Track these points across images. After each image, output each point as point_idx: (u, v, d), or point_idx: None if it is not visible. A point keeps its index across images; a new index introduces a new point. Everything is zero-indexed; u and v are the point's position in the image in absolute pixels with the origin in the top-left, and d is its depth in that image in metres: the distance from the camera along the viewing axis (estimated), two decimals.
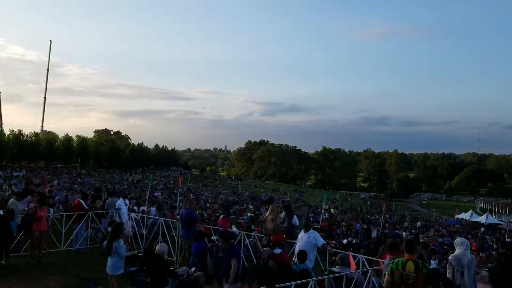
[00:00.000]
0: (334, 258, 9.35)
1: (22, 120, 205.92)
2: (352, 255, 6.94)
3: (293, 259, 8.30)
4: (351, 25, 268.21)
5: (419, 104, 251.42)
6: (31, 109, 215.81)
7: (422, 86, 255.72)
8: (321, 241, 8.28)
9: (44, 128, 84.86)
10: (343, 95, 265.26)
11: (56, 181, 33.26)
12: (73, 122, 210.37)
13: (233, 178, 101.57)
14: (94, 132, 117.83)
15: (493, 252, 24.55)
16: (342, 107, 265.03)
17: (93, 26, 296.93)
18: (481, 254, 22.37)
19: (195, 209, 11.60)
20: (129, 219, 12.75)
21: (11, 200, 11.22)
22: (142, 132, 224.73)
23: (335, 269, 7.07)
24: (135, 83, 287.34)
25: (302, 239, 8.26)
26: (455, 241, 6.58)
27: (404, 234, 31.51)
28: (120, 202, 11.61)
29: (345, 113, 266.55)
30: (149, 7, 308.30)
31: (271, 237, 9.63)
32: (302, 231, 8.53)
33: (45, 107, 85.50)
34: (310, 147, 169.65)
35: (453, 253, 6.54)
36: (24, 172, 45.46)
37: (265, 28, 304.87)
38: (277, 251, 8.35)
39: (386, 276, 4.86)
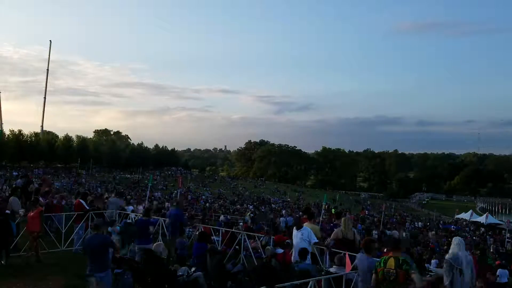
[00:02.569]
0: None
1: (34, 119, 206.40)
2: (349, 255, 6.94)
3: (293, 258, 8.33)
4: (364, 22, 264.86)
5: (431, 104, 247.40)
6: (47, 107, 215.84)
7: (434, 85, 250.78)
8: (314, 239, 8.28)
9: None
10: (355, 93, 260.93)
11: (56, 183, 33.35)
12: (86, 122, 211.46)
13: (227, 178, 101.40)
14: (94, 132, 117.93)
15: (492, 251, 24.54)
16: (353, 106, 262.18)
17: (113, 24, 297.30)
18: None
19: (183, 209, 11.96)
20: (128, 219, 12.80)
21: (12, 197, 11.23)
22: (148, 132, 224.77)
23: (332, 269, 7.09)
24: (152, 81, 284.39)
25: (296, 237, 8.27)
26: (452, 241, 6.60)
27: (404, 234, 31.54)
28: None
29: (357, 112, 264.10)
30: (167, 6, 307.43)
31: (274, 237, 9.66)
32: (294, 229, 8.54)
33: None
34: (310, 147, 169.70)
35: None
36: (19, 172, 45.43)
37: (275, 26, 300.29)
38: (279, 251, 8.37)
39: (373, 274, 4.97)
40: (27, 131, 67.56)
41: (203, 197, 45.69)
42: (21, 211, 10.36)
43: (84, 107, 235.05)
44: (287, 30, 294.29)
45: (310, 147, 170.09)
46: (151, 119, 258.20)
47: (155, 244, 8.13)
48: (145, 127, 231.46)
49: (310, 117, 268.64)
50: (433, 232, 32.71)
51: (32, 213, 9.48)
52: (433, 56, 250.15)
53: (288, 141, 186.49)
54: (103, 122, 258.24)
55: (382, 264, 4.81)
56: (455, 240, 6.40)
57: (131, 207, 17.71)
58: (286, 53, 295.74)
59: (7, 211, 9.69)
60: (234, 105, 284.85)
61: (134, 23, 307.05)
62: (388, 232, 28.80)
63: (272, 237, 10.86)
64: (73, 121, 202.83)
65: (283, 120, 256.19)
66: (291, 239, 8.78)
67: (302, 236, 8.15)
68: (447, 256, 6.29)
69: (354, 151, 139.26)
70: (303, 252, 7.69)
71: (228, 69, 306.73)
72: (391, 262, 4.75)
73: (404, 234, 31.23)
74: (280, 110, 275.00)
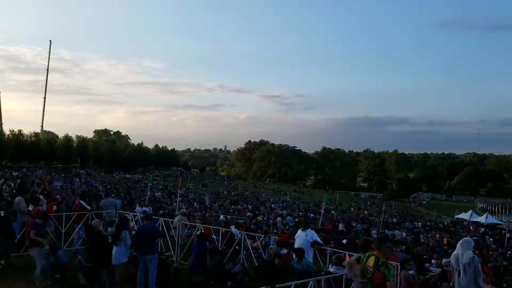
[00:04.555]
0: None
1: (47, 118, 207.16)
2: (348, 255, 6.95)
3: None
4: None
5: (441, 103, 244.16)
6: (57, 107, 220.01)
7: (445, 84, 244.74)
8: (317, 239, 8.49)
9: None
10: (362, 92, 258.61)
11: (57, 184, 33.34)
12: (96, 121, 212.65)
13: (225, 178, 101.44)
14: (94, 132, 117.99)
15: (491, 252, 24.51)
16: (364, 105, 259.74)
17: (130, 22, 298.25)
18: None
19: None
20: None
21: (18, 198, 11.22)
22: (155, 132, 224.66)
23: (332, 269, 7.09)
24: (166, 80, 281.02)
25: (300, 237, 8.42)
26: (459, 242, 6.59)
27: (404, 234, 31.57)
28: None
29: (367, 111, 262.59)
30: (182, 5, 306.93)
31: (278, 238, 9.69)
32: (300, 230, 8.65)
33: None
34: (310, 147, 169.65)
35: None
36: (23, 172, 45.46)
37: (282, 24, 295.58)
38: (284, 251, 8.42)
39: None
40: (23, 131, 67.18)
41: (203, 197, 45.68)
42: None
43: (96, 107, 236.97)
44: (301, 28, 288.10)
45: (310, 147, 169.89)
46: (159, 118, 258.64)
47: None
48: (153, 127, 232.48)
49: (319, 117, 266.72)
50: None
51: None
52: (446, 55, 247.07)
53: (294, 140, 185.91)
54: (113, 121, 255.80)
55: (364, 259, 4.81)
56: (463, 242, 6.41)
57: (140, 209, 17.70)
58: (301, 51, 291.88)
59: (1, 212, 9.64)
60: (244, 104, 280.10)
61: (151, 22, 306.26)
62: (388, 232, 28.86)
63: (272, 237, 10.87)
64: (82, 120, 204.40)
65: (292, 120, 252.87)
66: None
67: (306, 237, 8.25)
68: (451, 256, 6.31)
69: (354, 151, 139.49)
70: (299, 252, 7.73)
71: (243, 67, 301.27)
72: (371, 260, 4.73)
73: (404, 234, 31.30)
74: (290, 109, 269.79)
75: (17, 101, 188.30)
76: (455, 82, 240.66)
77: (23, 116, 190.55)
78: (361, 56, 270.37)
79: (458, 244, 6.34)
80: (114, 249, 7.63)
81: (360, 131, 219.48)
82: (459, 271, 6.08)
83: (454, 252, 6.23)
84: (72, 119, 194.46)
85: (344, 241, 19.71)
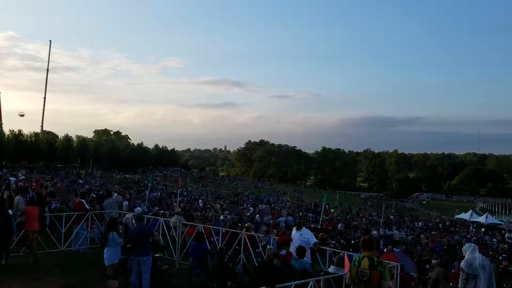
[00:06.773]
0: (333, 258, 9.39)
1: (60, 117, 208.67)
2: (347, 255, 6.93)
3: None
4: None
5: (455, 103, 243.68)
6: (75, 106, 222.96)
7: (459, 84, 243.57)
8: (313, 240, 8.48)
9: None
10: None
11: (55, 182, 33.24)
12: (103, 121, 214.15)
13: (225, 178, 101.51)
14: (94, 132, 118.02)
15: (491, 253, 24.54)
16: (375, 104, 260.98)
17: (148, 20, 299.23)
18: None
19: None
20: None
21: (18, 197, 11.21)
22: (161, 131, 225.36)
23: (331, 269, 7.08)
24: (187, 80, 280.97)
25: (295, 237, 8.45)
26: (463, 249, 6.57)
27: (403, 234, 31.60)
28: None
29: (378, 111, 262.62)
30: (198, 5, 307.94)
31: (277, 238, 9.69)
32: (294, 229, 8.69)
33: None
34: (310, 147, 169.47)
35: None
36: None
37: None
38: (283, 252, 8.38)
39: (347, 273, 4.95)
40: (23, 131, 66.71)
41: (202, 197, 45.67)
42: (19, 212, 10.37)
43: (108, 106, 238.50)
44: (322, 27, 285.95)
45: (310, 147, 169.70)
46: (168, 117, 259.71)
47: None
48: (161, 126, 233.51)
49: (331, 116, 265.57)
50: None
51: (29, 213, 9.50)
52: (448, 55, 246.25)
53: (294, 140, 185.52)
54: (122, 120, 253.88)
55: (356, 264, 4.74)
56: (469, 247, 6.38)
57: (139, 209, 17.61)
58: (319, 50, 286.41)
59: (10, 211, 9.68)
60: (257, 103, 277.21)
61: (170, 21, 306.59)
62: (388, 232, 28.89)
63: (272, 237, 10.86)
64: (92, 119, 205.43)
65: (301, 119, 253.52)
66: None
67: (301, 237, 8.26)
68: (461, 264, 6.27)
69: (354, 151, 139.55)
70: (301, 250, 7.74)
71: (257, 66, 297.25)
72: (365, 262, 4.66)
73: (403, 234, 31.36)
74: (303, 109, 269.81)
75: (28, 99, 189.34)
76: (456, 82, 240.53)
77: (35, 114, 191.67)
78: (369, 56, 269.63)
79: (470, 250, 6.28)
80: (106, 250, 7.57)
81: (362, 132, 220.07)
82: (475, 275, 6.02)
83: (469, 258, 6.17)
84: (83, 118, 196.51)
85: (344, 241, 19.75)
